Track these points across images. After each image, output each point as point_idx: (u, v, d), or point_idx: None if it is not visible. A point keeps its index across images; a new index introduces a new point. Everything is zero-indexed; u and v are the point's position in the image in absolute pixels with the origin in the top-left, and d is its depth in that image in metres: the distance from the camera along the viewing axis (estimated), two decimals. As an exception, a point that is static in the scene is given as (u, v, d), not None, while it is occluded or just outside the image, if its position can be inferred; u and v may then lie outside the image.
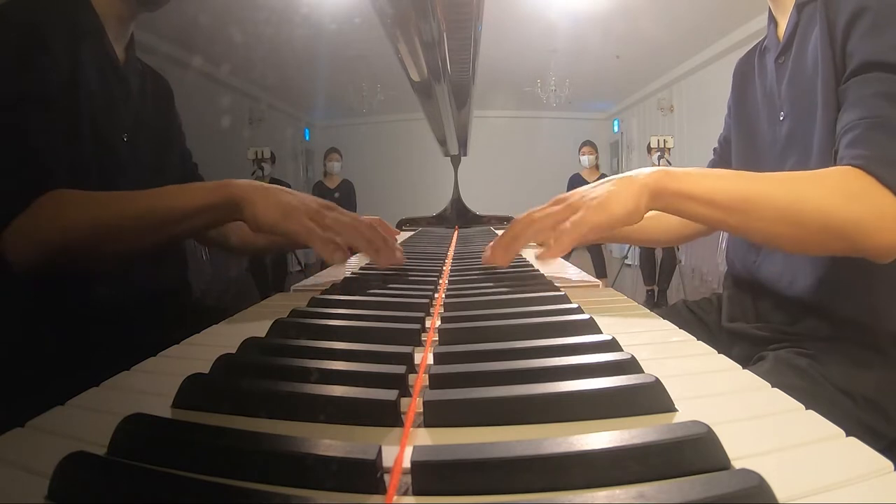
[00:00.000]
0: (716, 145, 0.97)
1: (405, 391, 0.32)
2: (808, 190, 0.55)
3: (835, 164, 0.59)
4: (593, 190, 0.60)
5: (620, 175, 0.60)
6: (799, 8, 0.72)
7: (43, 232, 0.59)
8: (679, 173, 0.59)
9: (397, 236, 1.21)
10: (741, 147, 0.86)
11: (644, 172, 0.59)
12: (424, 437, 0.27)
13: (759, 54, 0.83)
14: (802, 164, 0.70)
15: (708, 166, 0.99)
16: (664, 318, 0.50)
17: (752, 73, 0.83)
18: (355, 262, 0.84)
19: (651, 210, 0.59)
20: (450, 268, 0.81)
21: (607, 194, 0.57)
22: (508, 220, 1.85)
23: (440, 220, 1.87)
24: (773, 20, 0.80)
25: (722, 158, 0.94)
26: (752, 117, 0.82)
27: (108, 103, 0.74)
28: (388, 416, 0.28)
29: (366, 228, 0.65)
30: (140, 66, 0.85)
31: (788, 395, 0.30)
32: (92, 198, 0.62)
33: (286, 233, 0.60)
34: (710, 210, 0.57)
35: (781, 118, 0.74)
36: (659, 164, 3.98)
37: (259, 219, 0.60)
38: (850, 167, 0.55)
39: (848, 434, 0.25)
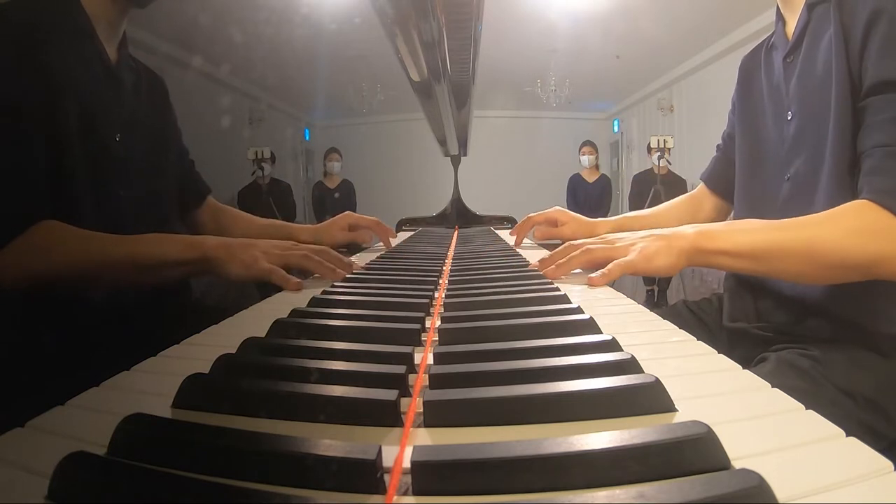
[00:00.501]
0: (719, 142, 0.97)
1: (405, 391, 0.32)
2: (826, 233, 0.60)
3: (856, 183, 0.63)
4: (643, 241, 0.68)
5: (667, 233, 0.67)
6: (809, 7, 0.72)
7: (30, 261, 0.63)
8: (713, 233, 0.65)
9: (393, 238, 1.21)
10: (746, 144, 0.85)
11: (685, 234, 0.66)
12: (424, 437, 0.27)
13: (765, 51, 0.83)
14: (812, 164, 0.70)
15: (711, 164, 0.99)
16: (664, 318, 0.50)
17: (759, 70, 0.83)
18: (355, 264, 0.84)
19: (687, 266, 0.68)
20: (450, 268, 0.81)
21: (655, 249, 0.66)
22: (509, 219, 1.85)
23: (440, 220, 1.87)
24: (781, 18, 0.79)
25: (725, 155, 0.94)
26: (758, 114, 0.82)
27: (99, 104, 0.74)
28: (388, 416, 0.28)
29: (314, 254, 0.75)
30: (133, 65, 0.85)
31: (790, 395, 0.30)
32: (79, 235, 0.66)
33: (253, 279, 0.69)
34: (740, 262, 0.64)
35: (789, 117, 0.74)
36: (659, 164, 3.98)
37: (229, 274, 0.69)
38: (865, 201, 0.59)
39: (849, 434, 0.25)
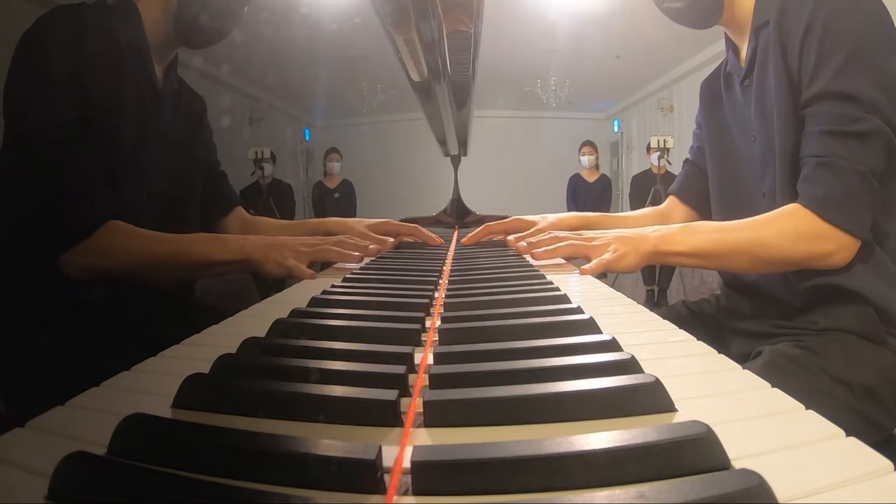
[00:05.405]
0: (687, 156, 0.98)
1: (405, 391, 0.32)
2: (764, 234, 0.69)
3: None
4: (615, 242, 0.75)
5: (633, 236, 0.75)
6: (756, 32, 0.74)
7: (101, 258, 0.69)
8: (670, 237, 0.74)
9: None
10: (719, 164, 0.87)
11: (648, 238, 0.74)
12: (424, 437, 0.27)
13: (724, 78, 0.85)
14: (773, 183, 0.73)
15: (681, 177, 1.01)
16: (664, 318, 0.50)
17: (720, 95, 0.85)
18: (353, 265, 0.84)
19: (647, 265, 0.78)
20: (450, 268, 0.81)
21: (624, 252, 0.74)
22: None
23: (440, 220, 1.86)
24: (731, 45, 0.82)
25: (698, 167, 0.96)
26: (727, 137, 0.84)
27: (144, 124, 0.78)
28: (388, 416, 0.28)
29: (333, 244, 0.84)
30: (177, 87, 0.88)
31: (786, 386, 0.30)
32: (142, 235, 0.72)
33: (284, 276, 0.77)
34: (693, 260, 0.74)
35: (754, 139, 0.76)
36: (659, 164, 3.97)
37: (266, 272, 0.76)
38: (799, 206, 0.66)
39: (846, 425, 0.25)
